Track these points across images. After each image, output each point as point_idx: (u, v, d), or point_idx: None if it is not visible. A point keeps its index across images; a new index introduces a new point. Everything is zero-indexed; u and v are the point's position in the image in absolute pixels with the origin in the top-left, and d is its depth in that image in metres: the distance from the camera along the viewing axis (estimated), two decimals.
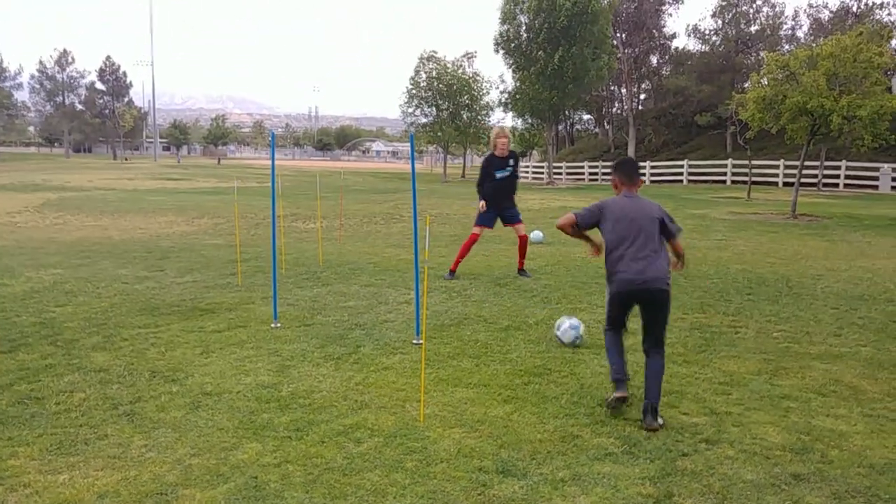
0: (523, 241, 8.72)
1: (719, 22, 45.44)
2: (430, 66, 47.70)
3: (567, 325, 5.60)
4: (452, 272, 8.64)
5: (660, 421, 3.97)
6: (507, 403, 4.31)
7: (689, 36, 49.06)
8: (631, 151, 46.53)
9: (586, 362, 5.17)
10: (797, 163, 20.23)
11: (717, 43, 45.70)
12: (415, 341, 5.66)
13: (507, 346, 5.58)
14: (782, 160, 32.68)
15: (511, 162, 8.50)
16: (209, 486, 3.20)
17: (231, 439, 3.72)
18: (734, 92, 27.38)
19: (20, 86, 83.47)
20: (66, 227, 14.21)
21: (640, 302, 4.16)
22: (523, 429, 3.92)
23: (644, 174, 39.06)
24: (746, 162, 28.42)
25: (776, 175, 32.89)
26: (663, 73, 51.83)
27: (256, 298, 7.29)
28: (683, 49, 49.77)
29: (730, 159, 36.42)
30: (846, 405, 4.38)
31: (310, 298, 7.33)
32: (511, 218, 8.64)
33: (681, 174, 37.71)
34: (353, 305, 7.02)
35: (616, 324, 4.32)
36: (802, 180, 19.77)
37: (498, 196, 8.51)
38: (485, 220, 8.62)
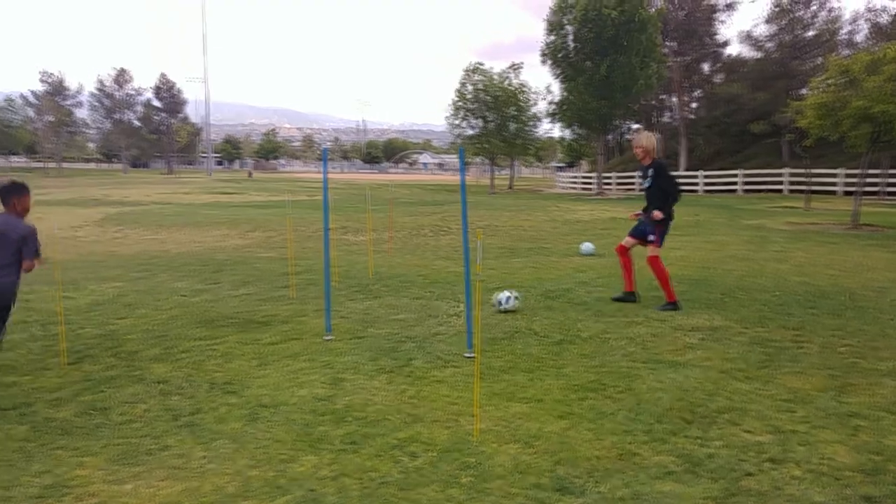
0: (650, 264, 7.54)
1: (774, 28, 44.41)
2: (476, 78, 47.81)
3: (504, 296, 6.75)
4: (668, 299, 7.51)
5: None
6: (563, 419, 4.25)
7: (742, 43, 47.94)
8: (683, 161, 45.73)
9: (643, 377, 5.06)
10: (858, 171, 19.56)
11: (772, 49, 44.63)
12: (466, 354, 5.63)
13: (561, 360, 5.51)
14: (842, 168, 31.65)
15: (650, 172, 7.62)
16: (268, 499, 3.23)
17: (288, 451, 3.76)
18: (790, 99, 26.68)
19: (80, 104, 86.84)
20: (125, 240, 14.66)
21: None
22: (580, 445, 3.86)
23: (697, 183, 38.34)
24: (804, 171, 27.63)
25: (836, 184, 31.85)
26: (715, 80, 50.85)
27: (309, 311, 7.38)
28: (737, 56, 48.78)
29: (786, 168, 35.44)
30: None
31: (361, 311, 7.38)
32: (644, 233, 7.67)
33: (735, 184, 36.85)
34: (403, 318, 7.04)
35: None
36: (864, 189, 19.07)
37: (647, 207, 7.72)
38: (631, 231, 7.87)
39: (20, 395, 4.68)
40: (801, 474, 3.50)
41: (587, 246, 12.23)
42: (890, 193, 30.46)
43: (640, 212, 7.90)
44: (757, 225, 18.10)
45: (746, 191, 36.09)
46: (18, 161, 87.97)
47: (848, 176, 31.01)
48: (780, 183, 34.78)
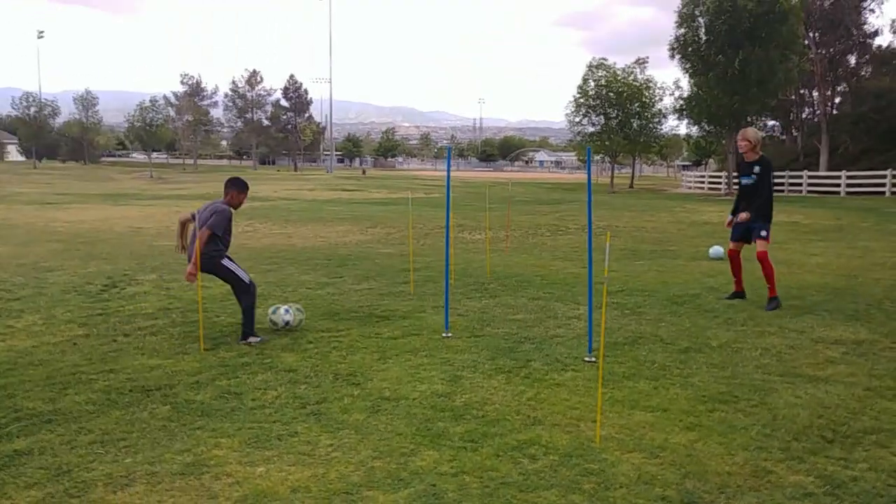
0: (760, 261, 7.47)
1: None
2: (599, 74, 46.84)
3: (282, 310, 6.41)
4: (770, 294, 7.52)
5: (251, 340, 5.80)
6: (690, 431, 4.06)
7: (894, 33, 44.21)
8: (823, 160, 42.69)
9: (778, 391, 4.75)
10: None
11: None
12: (587, 358, 5.51)
13: (688, 369, 5.28)
14: None
15: (756, 169, 7.52)
16: (391, 490, 3.29)
17: (409, 445, 3.82)
18: None
19: (216, 104, 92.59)
20: (255, 234, 15.48)
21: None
22: (709, 459, 3.67)
23: (839, 185, 35.68)
24: None
25: None
26: (863, 74, 47.09)
27: (427, 307, 7.48)
28: (887, 48, 44.94)
29: None
30: None
31: (478, 309, 7.40)
32: (752, 231, 7.57)
33: (883, 185, 33.94)
34: (521, 318, 6.99)
35: None
36: None
37: (743, 205, 7.70)
38: (733, 234, 7.81)
39: (163, 377, 5.03)
40: None
41: (716, 249, 11.67)
42: None
43: (732, 217, 7.78)
44: None
45: None
46: (159, 157, 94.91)
47: None
48: None
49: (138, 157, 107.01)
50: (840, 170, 37.90)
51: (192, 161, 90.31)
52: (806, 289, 8.51)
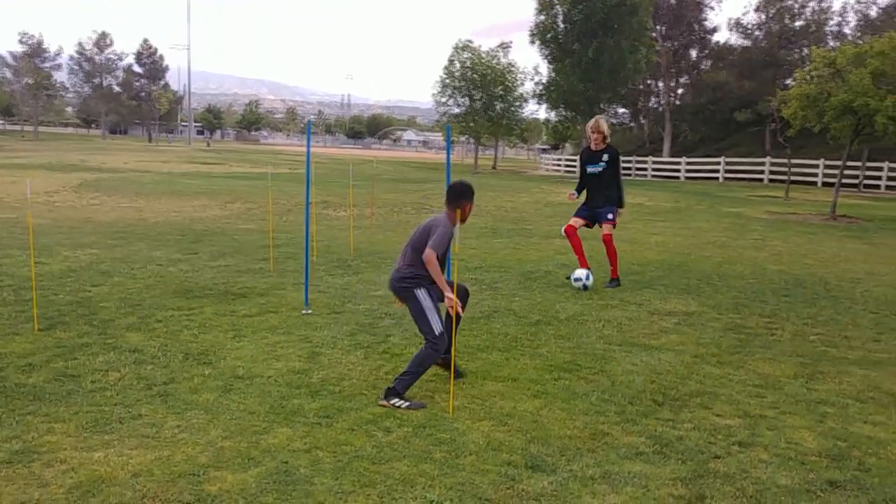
0: (605, 243, 7.87)
1: (763, 16, 44.49)
2: (465, 56, 47.42)
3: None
4: (612, 275, 7.95)
5: (393, 402, 4.07)
6: (537, 398, 4.28)
7: (730, 30, 47.94)
8: (666, 147, 45.90)
9: (617, 360, 5.11)
10: (838, 162, 19.79)
11: (760, 38, 44.77)
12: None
13: (537, 340, 5.55)
14: (822, 160, 31.97)
15: (605, 157, 7.87)
16: (240, 469, 3.23)
17: (262, 423, 3.76)
18: (776, 88, 26.82)
19: (59, 66, 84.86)
20: (102, 207, 14.46)
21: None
22: (552, 424, 3.89)
23: (679, 170, 38.51)
24: (785, 160, 27.86)
25: (816, 175, 32.19)
26: (703, 67, 50.93)
27: (288, 284, 7.35)
28: (724, 44, 48.86)
29: (768, 157, 35.69)
30: (885, 412, 4.27)
31: (340, 286, 7.36)
32: (598, 216, 7.96)
33: (717, 171, 37.06)
34: (382, 294, 7.03)
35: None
36: (843, 181, 19.28)
37: (590, 191, 8.04)
38: (577, 212, 8.12)
39: None
40: (768, 458, 3.57)
41: None
42: (868, 186, 30.84)
43: (574, 193, 8.15)
44: (737, 213, 18.27)
45: (728, 178, 36.33)
46: None
47: (828, 167, 31.35)
48: (762, 172, 35.05)
49: None
50: (681, 156, 40.96)
51: (31, 128, 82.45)
52: (646, 265, 9.16)
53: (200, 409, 3.92)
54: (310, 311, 6.18)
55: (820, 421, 4.10)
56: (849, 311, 7.02)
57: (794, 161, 28.67)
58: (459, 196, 4.45)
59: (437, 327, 4.32)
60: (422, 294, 4.34)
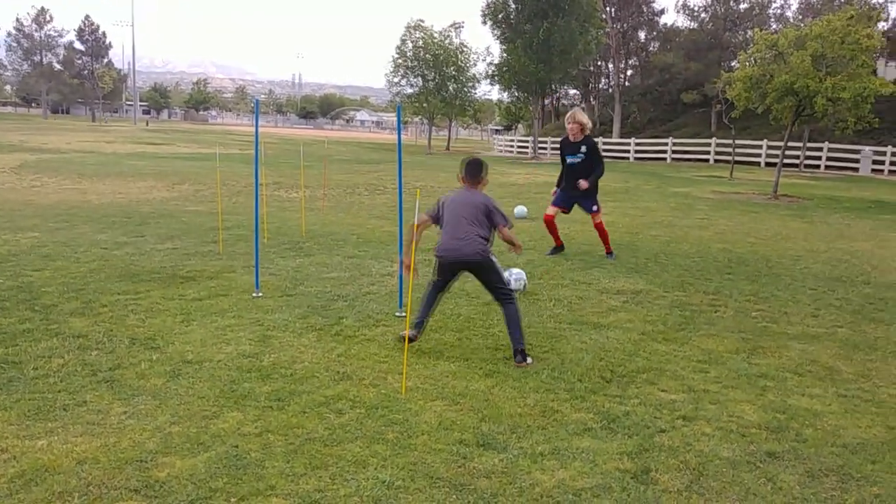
0: (598, 229, 8.52)
1: None
2: (417, 36, 47.12)
3: (515, 275, 6.47)
4: (607, 250, 8.55)
5: (528, 360, 4.60)
6: (489, 377, 4.33)
7: (678, 12, 48.84)
8: (616, 128, 46.50)
9: (567, 338, 5.20)
10: (780, 143, 20.37)
11: (706, 20, 45.55)
12: (397, 314, 5.66)
13: (490, 320, 5.60)
14: (765, 140, 32.88)
15: (583, 148, 8.16)
16: (189, 454, 3.19)
17: (212, 408, 3.71)
18: (721, 70, 27.37)
19: None
20: (43, 189, 13.98)
21: (462, 269, 4.85)
22: (504, 403, 3.95)
23: (628, 151, 39.10)
24: (730, 141, 28.54)
25: (759, 155, 33.10)
26: (651, 49, 51.64)
27: (238, 267, 7.24)
28: (672, 25, 49.59)
29: (714, 138, 36.53)
30: (821, 385, 4.45)
31: (292, 269, 7.29)
32: (583, 207, 8.45)
33: (665, 152, 37.77)
34: (335, 277, 7.00)
35: (437, 283, 4.92)
36: (785, 161, 19.87)
37: (568, 180, 8.34)
38: (556, 201, 8.51)
39: None
40: (711, 431, 3.69)
41: (520, 209, 12.37)
42: (808, 166, 31.86)
43: (557, 190, 8.59)
44: (684, 193, 18.68)
45: (675, 159, 37.07)
46: None
47: (770, 148, 32.27)
48: (708, 153, 35.87)
49: None
50: (630, 137, 41.58)
51: None
52: (595, 244, 9.29)
53: (148, 395, 3.85)
54: (260, 294, 6.11)
55: (760, 394, 4.25)
56: (789, 287, 7.27)
57: (738, 142, 29.41)
58: (480, 170, 5.01)
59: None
60: (494, 258, 4.85)
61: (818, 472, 3.28)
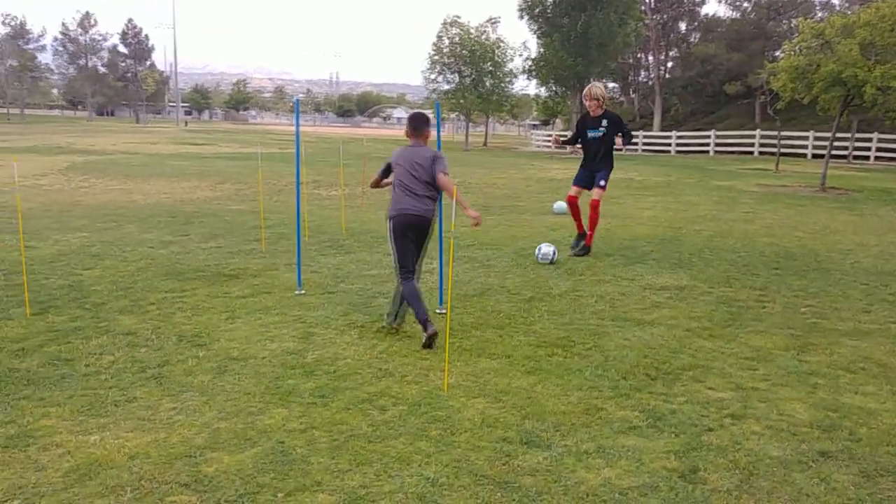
0: (592, 208, 8.03)
1: None
2: (454, 32, 47.01)
3: (544, 251, 7.31)
4: (586, 242, 8.20)
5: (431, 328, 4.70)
6: (531, 375, 4.31)
7: (719, 2, 48.06)
8: (657, 121, 45.81)
9: (610, 335, 5.14)
10: (828, 134, 19.82)
11: (748, 10, 44.60)
12: (438, 311, 5.66)
13: (531, 317, 5.57)
14: (812, 131, 32.02)
15: (604, 122, 7.98)
16: (237, 450, 3.24)
17: (257, 404, 3.77)
18: (765, 60, 26.75)
19: (43, 48, 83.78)
20: (91, 190, 14.35)
21: (412, 229, 4.92)
22: (547, 400, 3.92)
23: (670, 144, 38.49)
24: (775, 133, 27.88)
25: (805, 147, 32.26)
26: (692, 40, 50.73)
27: (280, 265, 7.33)
28: (713, 16, 48.69)
29: (758, 130, 35.70)
30: (875, 382, 4.32)
31: (333, 266, 7.35)
32: (594, 181, 8.10)
33: (707, 145, 37.07)
34: (375, 274, 7.03)
35: (404, 263, 4.96)
36: (832, 153, 19.32)
37: (589, 155, 8.18)
38: (577, 180, 8.29)
39: None
40: (760, 430, 3.61)
41: (560, 205, 12.26)
42: (857, 157, 30.94)
43: (560, 137, 8.51)
44: (727, 186, 18.30)
45: (718, 152, 36.36)
46: None
47: (817, 139, 31.41)
48: (752, 145, 35.09)
49: None
50: (671, 130, 40.91)
51: (18, 111, 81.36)
52: (637, 240, 9.18)
53: (195, 391, 3.92)
54: (303, 292, 6.18)
55: (811, 392, 4.14)
56: (839, 282, 7.07)
57: (783, 133, 28.70)
58: (425, 124, 5.19)
59: None
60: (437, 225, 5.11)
61: (873, 473, 3.18)
